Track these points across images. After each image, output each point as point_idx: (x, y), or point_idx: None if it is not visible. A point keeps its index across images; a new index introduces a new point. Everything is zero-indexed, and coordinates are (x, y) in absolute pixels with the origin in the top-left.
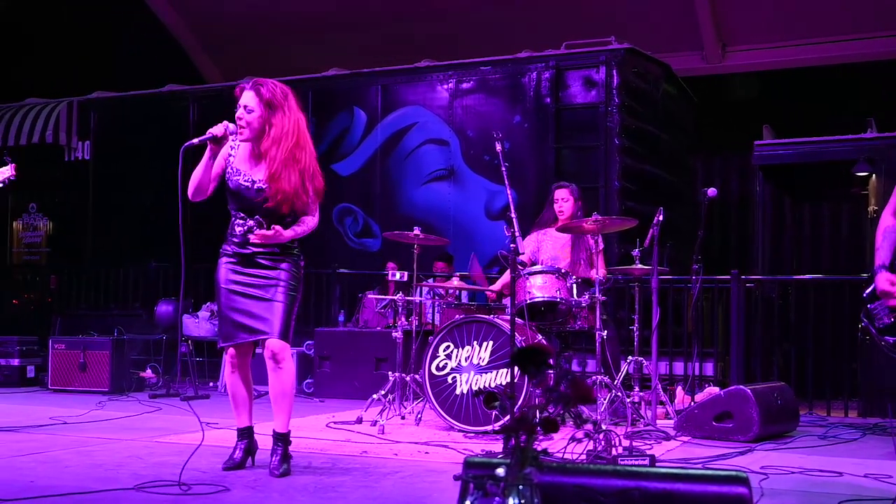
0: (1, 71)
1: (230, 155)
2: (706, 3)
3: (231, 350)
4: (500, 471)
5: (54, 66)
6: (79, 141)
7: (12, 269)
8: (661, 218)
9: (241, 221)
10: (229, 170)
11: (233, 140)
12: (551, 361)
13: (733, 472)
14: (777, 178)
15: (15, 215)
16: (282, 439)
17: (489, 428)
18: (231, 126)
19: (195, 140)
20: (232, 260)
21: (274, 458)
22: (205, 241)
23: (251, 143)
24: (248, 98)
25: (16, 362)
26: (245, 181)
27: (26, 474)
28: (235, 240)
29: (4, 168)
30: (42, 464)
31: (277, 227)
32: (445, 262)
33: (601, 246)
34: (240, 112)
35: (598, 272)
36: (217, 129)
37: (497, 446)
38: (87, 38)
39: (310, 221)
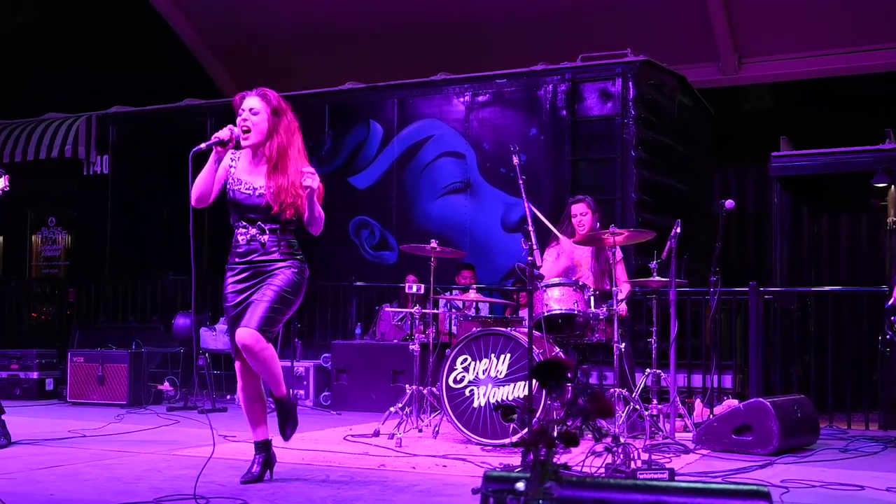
0: (21, 86)
1: (231, 167)
2: (722, 15)
3: (239, 363)
4: (520, 485)
5: (73, 81)
6: (97, 155)
7: (32, 282)
8: (678, 230)
9: (244, 231)
10: (230, 181)
11: (233, 153)
12: (571, 375)
13: (755, 486)
14: (795, 189)
15: (34, 229)
16: (281, 403)
17: (507, 441)
18: (236, 130)
19: (202, 144)
20: (236, 275)
21: (280, 424)
22: (223, 254)
23: (251, 152)
24: (252, 102)
25: (35, 375)
26: (246, 189)
27: (46, 487)
28: (239, 250)
29: None
30: (61, 477)
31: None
32: (471, 270)
33: (619, 256)
34: (245, 115)
35: (621, 282)
36: (223, 133)
37: (515, 459)
38: (105, 53)
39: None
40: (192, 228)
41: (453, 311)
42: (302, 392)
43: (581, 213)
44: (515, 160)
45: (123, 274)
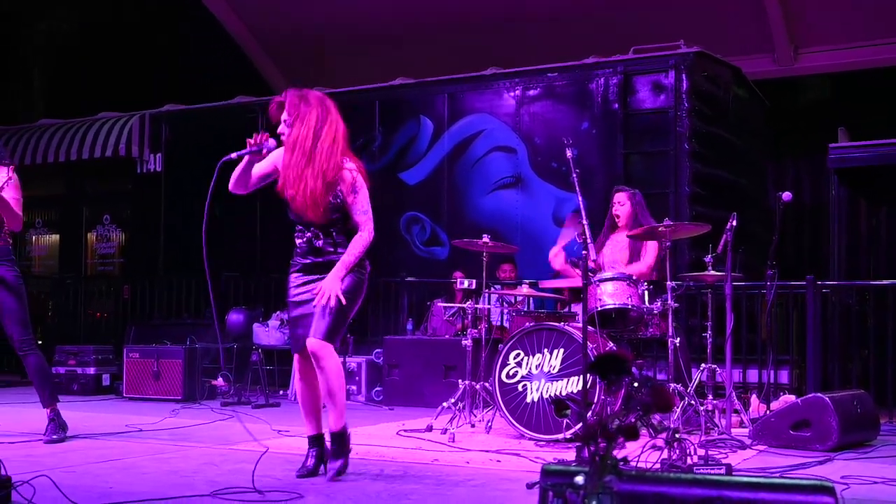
0: (75, 86)
1: (279, 166)
2: (777, 5)
3: (298, 357)
4: (579, 479)
5: (126, 80)
6: (150, 153)
7: (87, 279)
8: (734, 223)
9: (300, 234)
10: (281, 180)
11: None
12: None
13: (818, 482)
14: (853, 180)
15: (89, 227)
16: (335, 439)
17: (560, 436)
18: (271, 142)
19: (233, 154)
20: (298, 272)
21: (330, 460)
22: (276, 251)
23: (290, 158)
24: (284, 110)
25: (92, 371)
26: (290, 194)
27: (105, 480)
28: (298, 251)
29: (2, 172)
30: (120, 470)
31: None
32: (512, 264)
33: (647, 249)
34: (284, 124)
35: (639, 266)
36: (254, 144)
37: (569, 454)
38: (157, 51)
39: (358, 242)
40: (204, 231)
41: (504, 305)
42: (354, 387)
43: (619, 203)
44: (569, 153)
45: (177, 271)
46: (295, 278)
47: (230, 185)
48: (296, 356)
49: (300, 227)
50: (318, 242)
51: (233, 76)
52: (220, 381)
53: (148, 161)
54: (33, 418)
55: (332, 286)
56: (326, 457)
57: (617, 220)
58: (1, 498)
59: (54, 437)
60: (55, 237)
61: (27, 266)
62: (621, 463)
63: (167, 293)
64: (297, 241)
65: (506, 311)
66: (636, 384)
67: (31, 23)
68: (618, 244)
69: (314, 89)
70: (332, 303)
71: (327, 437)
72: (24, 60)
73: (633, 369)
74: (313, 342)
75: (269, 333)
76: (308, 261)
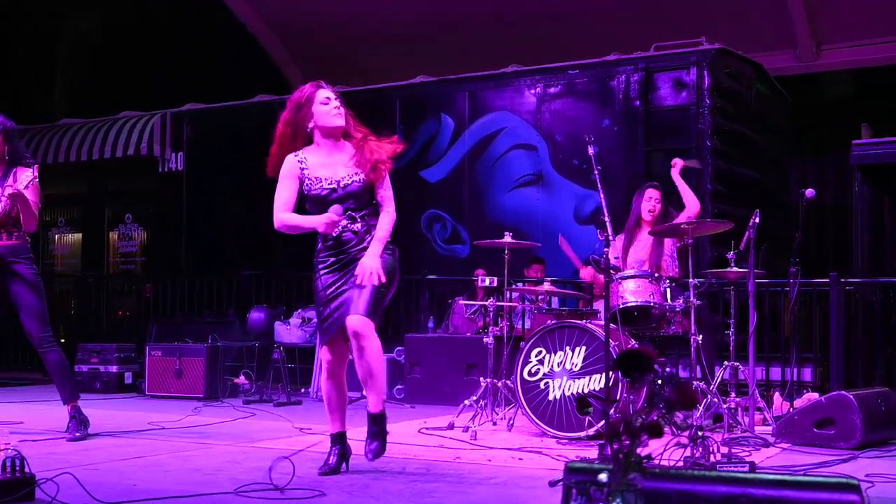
0: (97, 85)
1: (303, 169)
2: (799, 1)
3: (328, 355)
4: (603, 476)
5: (147, 80)
6: (172, 152)
7: (109, 278)
8: (757, 220)
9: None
10: (307, 181)
11: (296, 154)
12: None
13: (844, 479)
14: (876, 177)
15: (111, 226)
16: (374, 420)
17: (582, 434)
18: (343, 222)
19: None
20: (329, 268)
21: (368, 441)
22: (296, 249)
23: (328, 145)
24: (329, 92)
25: (114, 369)
26: (329, 185)
27: (129, 477)
28: (330, 242)
29: (27, 172)
30: (143, 468)
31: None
32: (541, 264)
33: (672, 249)
34: (335, 102)
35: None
36: (330, 229)
37: (591, 452)
38: (179, 50)
39: (386, 219)
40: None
41: (526, 303)
42: None
43: (655, 199)
44: (591, 150)
45: (198, 269)
46: (326, 273)
47: (282, 228)
48: (325, 349)
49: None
50: (356, 226)
51: (253, 75)
52: (241, 379)
53: (169, 160)
54: (55, 416)
55: (373, 263)
56: (349, 454)
57: (651, 214)
58: (25, 495)
59: (77, 434)
60: (77, 236)
61: (50, 264)
62: (645, 460)
63: (189, 291)
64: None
65: (527, 308)
66: (660, 381)
67: (53, 23)
68: (643, 243)
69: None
70: (375, 280)
71: (349, 437)
72: (46, 60)
73: (658, 367)
74: (355, 319)
75: (290, 331)
76: (344, 253)
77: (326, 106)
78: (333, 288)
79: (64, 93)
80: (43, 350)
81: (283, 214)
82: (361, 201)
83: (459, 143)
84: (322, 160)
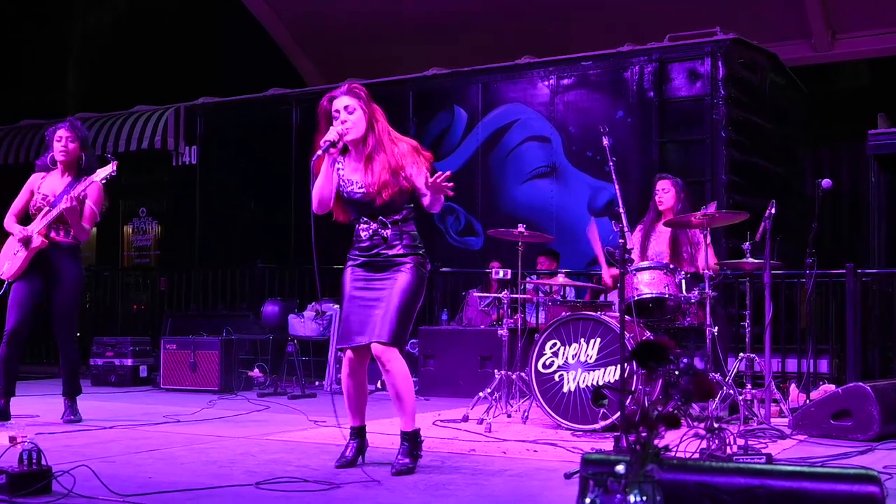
0: (110, 79)
1: (339, 169)
2: None
3: (349, 354)
4: (621, 468)
5: (161, 74)
6: (186, 146)
7: (124, 272)
8: (773, 211)
9: (366, 226)
10: (341, 182)
11: (339, 155)
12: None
13: (863, 471)
14: (893, 167)
15: (126, 220)
16: (406, 437)
17: (597, 426)
18: (341, 128)
19: (319, 152)
20: (358, 267)
21: (398, 456)
22: (309, 243)
23: (353, 150)
24: (344, 101)
25: (129, 362)
26: (359, 188)
27: (145, 470)
28: (362, 245)
29: (106, 166)
30: (159, 460)
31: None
32: (548, 256)
33: (708, 239)
34: (342, 116)
35: (709, 263)
36: (331, 135)
37: (606, 444)
38: (191, 44)
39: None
40: (313, 229)
41: (540, 295)
42: None
43: (663, 190)
44: (605, 141)
45: (213, 262)
46: (356, 272)
47: (316, 201)
48: (347, 351)
49: (365, 219)
50: (386, 232)
51: (266, 68)
52: (256, 372)
53: (183, 153)
54: None
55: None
56: (365, 448)
57: (659, 205)
58: (42, 488)
59: (72, 417)
60: (92, 230)
61: None
62: (663, 451)
63: (203, 285)
64: (363, 234)
65: (542, 300)
66: (676, 372)
67: (67, 17)
68: (661, 235)
69: (348, 81)
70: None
71: (368, 429)
72: (60, 54)
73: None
74: (378, 347)
75: (304, 325)
76: (375, 255)
77: (335, 121)
78: (359, 291)
79: (77, 87)
80: (63, 350)
81: (314, 192)
82: (391, 208)
83: (473, 135)
84: (352, 164)
